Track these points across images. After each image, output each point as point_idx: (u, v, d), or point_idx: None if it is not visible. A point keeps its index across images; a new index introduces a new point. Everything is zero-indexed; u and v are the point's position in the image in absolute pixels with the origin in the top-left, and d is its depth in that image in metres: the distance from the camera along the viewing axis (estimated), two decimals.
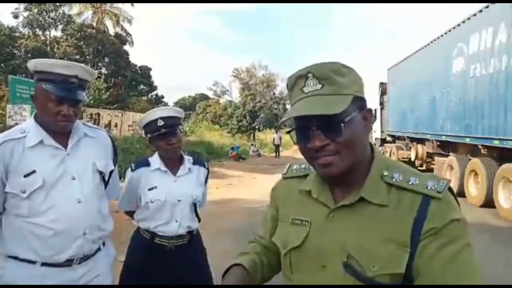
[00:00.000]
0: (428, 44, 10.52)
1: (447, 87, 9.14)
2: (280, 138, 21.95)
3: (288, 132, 0.99)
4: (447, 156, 9.62)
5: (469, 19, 8.14)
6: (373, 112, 0.96)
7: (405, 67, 12.55)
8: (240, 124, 29.00)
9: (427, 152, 10.84)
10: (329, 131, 0.88)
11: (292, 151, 25.89)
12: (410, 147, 12.24)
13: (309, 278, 0.95)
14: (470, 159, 8.05)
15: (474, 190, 7.72)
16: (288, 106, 29.11)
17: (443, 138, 9.39)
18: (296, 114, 0.90)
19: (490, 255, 4.57)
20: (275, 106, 28.50)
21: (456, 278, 0.81)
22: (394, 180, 0.91)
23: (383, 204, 0.89)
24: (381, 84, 15.42)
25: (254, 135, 29.32)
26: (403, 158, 12.24)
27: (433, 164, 10.51)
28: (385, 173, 0.93)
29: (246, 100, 28.66)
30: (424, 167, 10.88)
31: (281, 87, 29.11)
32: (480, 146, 7.67)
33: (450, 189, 0.90)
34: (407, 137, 12.29)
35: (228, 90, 31.30)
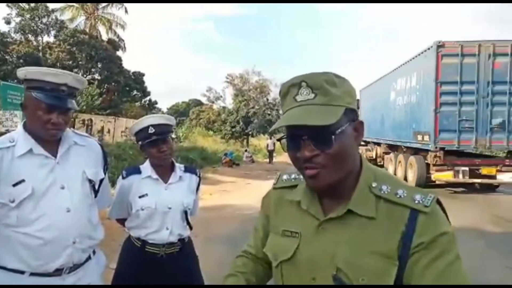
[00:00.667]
0: (382, 78, 15.05)
1: (388, 109, 13.92)
2: (274, 144, 21.97)
3: (279, 140, 0.99)
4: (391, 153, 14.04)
5: (400, 66, 12.65)
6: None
7: (369, 90, 17.07)
8: (233, 130, 28.99)
9: (382, 152, 15.15)
10: (319, 142, 0.88)
11: (286, 157, 25.84)
12: (373, 149, 16.56)
13: None
14: (407, 155, 11.87)
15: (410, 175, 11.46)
16: (281, 112, 29.21)
17: (388, 142, 14.10)
18: (286, 123, 0.89)
19: (485, 259, 4.60)
20: (269, 112, 28.54)
21: None
22: (382, 192, 0.91)
23: (371, 216, 0.89)
24: (357, 100, 16.87)
25: (247, 141, 29.33)
26: (369, 157, 15.92)
27: (384, 160, 14.69)
28: (373, 185, 0.92)
29: (239, 106, 28.69)
30: (382, 163, 14.72)
31: (274, 93, 29.17)
32: (402, 147, 12.46)
33: (438, 202, 0.90)
34: (371, 141, 16.46)
35: (221, 96, 31.33)
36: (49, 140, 1.58)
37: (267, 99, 29.26)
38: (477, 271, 3.82)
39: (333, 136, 0.86)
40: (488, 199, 9.74)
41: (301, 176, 1.00)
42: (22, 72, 1.55)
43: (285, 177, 1.12)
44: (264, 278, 1.15)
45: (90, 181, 1.69)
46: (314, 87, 0.89)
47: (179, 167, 2.24)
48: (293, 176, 1.10)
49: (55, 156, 1.60)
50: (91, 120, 15.41)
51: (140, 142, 2.14)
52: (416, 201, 0.88)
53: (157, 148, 2.08)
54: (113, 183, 2.44)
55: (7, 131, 1.90)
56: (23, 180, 1.50)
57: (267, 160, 21.92)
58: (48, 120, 1.52)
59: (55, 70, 1.57)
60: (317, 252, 0.93)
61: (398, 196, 0.89)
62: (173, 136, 2.23)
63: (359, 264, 0.87)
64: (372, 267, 0.86)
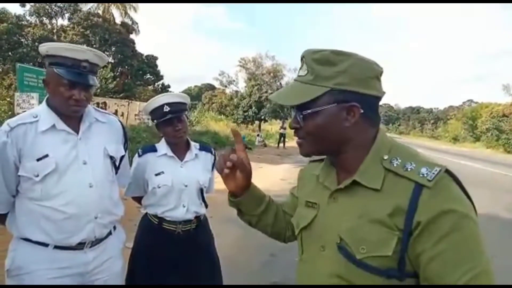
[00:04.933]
0: None
1: None
2: (285, 128, 21.83)
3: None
4: None
5: None
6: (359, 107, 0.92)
7: None
8: (246, 114, 28.92)
9: None
10: (295, 116, 0.97)
11: None
12: None
13: (313, 257, 0.99)
14: None
15: None
16: None
17: None
18: (271, 98, 1.00)
19: (500, 245, 4.56)
20: None
21: (458, 276, 0.77)
22: (391, 165, 0.89)
23: (375, 188, 0.88)
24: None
25: (260, 126, 29.25)
26: None
27: None
28: (385, 157, 0.91)
29: (252, 90, 28.53)
30: None
31: (288, 77, 28.94)
32: None
33: (451, 175, 0.86)
34: None
35: (234, 80, 31.17)
36: (71, 116, 1.60)
37: (280, 84, 29.00)
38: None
39: (301, 115, 0.94)
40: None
41: None
42: (44, 47, 1.56)
43: None
44: (282, 222, 1.23)
45: (111, 157, 1.71)
46: (308, 64, 0.93)
47: (194, 145, 2.25)
48: None
49: (77, 132, 1.62)
50: (105, 103, 15.52)
51: (155, 121, 2.15)
52: (421, 175, 0.84)
53: (172, 127, 2.09)
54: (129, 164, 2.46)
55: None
56: (47, 155, 1.52)
57: (281, 144, 21.46)
58: (70, 96, 1.54)
59: (77, 46, 1.58)
60: (327, 222, 0.96)
61: (405, 169, 0.87)
62: (188, 115, 2.23)
63: (360, 233, 0.88)
64: (373, 237, 0.85)
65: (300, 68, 0.96)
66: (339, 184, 0.97)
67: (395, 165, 0.89)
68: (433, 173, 0.83)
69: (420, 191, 0.82)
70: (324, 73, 0.90)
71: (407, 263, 0.84)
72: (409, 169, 0.86)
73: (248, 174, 1.10)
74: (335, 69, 0.90)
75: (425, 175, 0.83)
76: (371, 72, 0.92)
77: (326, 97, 0.90)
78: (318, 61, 0.91)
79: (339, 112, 0.91)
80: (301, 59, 0.96)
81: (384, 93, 0.96)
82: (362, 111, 0.91)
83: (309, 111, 0.92)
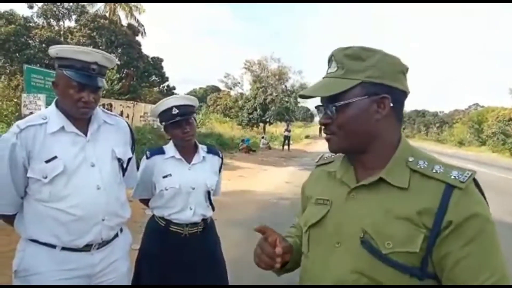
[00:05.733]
0: None
1: None
2: (290, 131, 21.81)
3: (317, 107, 1.05)
4: None
5: None
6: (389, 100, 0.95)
7: None
8: (250, 116, 28.94)
9: None
10: (326, 112, 0.97)
11: (303, 145, 25.81)
12: None
13: (324, 254, 0.98)
14: None
15: None
16: (299, 99, 28.99)
17: None
18: (301, 93, 1.00)
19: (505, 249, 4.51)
20: (286, 99, 28.33)
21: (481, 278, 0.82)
22: (418, 166, 0.91)
23: (403, 186, 0.90)
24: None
25: (264, 128, 29.26)
26: None
27: None
28: (410, 159, 0.94)
29: (257, 92, 28.55)
30: None
31: (293, 80, 28.95)
32: None
33: (475, 181, 0.89)
34: None
35: (239, 82, 31.21)
36: (80, 118, 1.61)
37: (286, 86, 29.02)
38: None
39: (334, 107, 0.94)
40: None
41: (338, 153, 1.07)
42: (54, 50, 1.57)
43: (326, 155, 1.19)
44: None
45: (119, 159, 1.72)
46: (338, 61, 0.96)
47: (202, 148, 2.25)
48: (332, 154, 1.15)
49: (86, 134, 1.63)
50: (110, 104, 15.57)
51: (163, 123, 2.16)
52: (453, 177, 0.86)
53: (181, 129, 2.10)
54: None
55: (31, 114, 1.94)
56: (55, 157, 1.53)
57: (285, 147, 21.40)
58: (79, 99, 1.54)
59: (86, 49, 1.59)
60: (345, 217, 0.95)
61: (434, 171, 0.89)
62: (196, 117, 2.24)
63: (385, 229, 0.88)
64: (399, 232, 0.86)
65: (329, 67, 0.99)
66: (358, 181, 0.97)
67: (422, 166, 0.91)
68: (465, 176, 0.86)
69: (451, 192, 0.85)
70: (355, 67, 0.94)
71: (429, 264, 0.86)
72: (438, 171, 0.89)
73: (289, 249, 1.09)
74: (365, 64, 0.93)
75: (457, 177, 0.86)
76: (399, 67, 0.96)
77: (357, 89, 0.93)
78: (349, 56, 0.94)
79: (370, 105, 0.93)
80: (329, 59, 0.99)
81: (409, 91, 0.99)
82: (392, 104, 0.93)
83: (341, 102, 0.93)
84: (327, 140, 1.00)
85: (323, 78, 0.99)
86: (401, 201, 0.89)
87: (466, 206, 0.83)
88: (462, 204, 0.84)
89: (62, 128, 1.58)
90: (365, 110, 0.93)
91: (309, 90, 1.00)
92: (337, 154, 1.09)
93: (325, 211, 1.00)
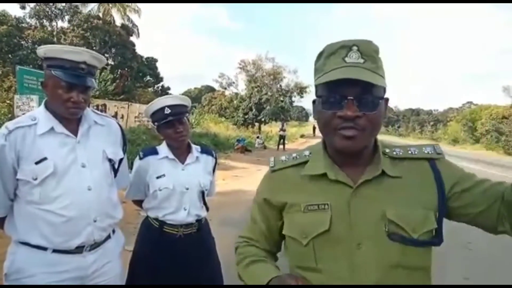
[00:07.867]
0: None
1: None
2: (285, 130, 21.80)
3: (314, 101, 0.99)
4: None
5: None
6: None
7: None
8: (246, 116, 28.91)
9: None
10: (365, 103, 0.89)
11: (298, 144, 25.80)
12: None
13: (343, 262, 0.92)
14: None
15: None
16: (294, 99, 29.02)
17: None
18: (343, 76, 0.86)
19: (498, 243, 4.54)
20: (281, 99, 28.35)
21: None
22: (396, 154, 1.00)
23: (398, 176, 0.96)
24: None
25: (259, 128, 29.25)
26: None
27: None
28: (386, 150, 1.00)
29: (252, 92, 28.53)
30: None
31: (288, 79, 28.96)
32: None
33: None
34: None
35: (234, 82, 31.18)
36: (70, 118, 1.59)
37: (280, 86, 29.03)
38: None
39: (380, 100, 0.92)
40: None
41: (306, 153, 1.04)
42: (42, 50, 1.56)
43: (283, 158, 1.11)
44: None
45: (110, 160, 1.70)
46: (364, 53, 0.91)
47: (195, 148, 2.24)
48: (293, 155, 1.09)
49: (76, 135, 1.61)
50: (104, 105, 15.49)
51: (156, 123, 2.14)
52: (427, 152, 1.00)
53: (174, 129, 2.08)
54: (129, 167, 2.45)
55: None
56: (45, 158, 1.51)
57: (281, 146, 21.34)
58: (68, 99, 1.53)
59: (74, 48, 1.57)
60: (359, 217, 0.93)
61: (410, 152, 1.00)
62: (189, 117, 2.22)
63: (408, 216, 0.92)
64: (418, 215, 0.92)
65: (348, 56, 0.90)
66: (353, 179, 0.96)
67: (400, 153, 1.00)
68: (438, 148, 1.01)
69: (435, 165, 0.98)
70: (380, 64, 0.94)
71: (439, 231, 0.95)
72: (414, 153, 1.00)
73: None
74: (382, 63, 0.95)
75: (432, 152, 1.00)
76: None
77: (383, 89, 0.94)
78: (376, 52, 0.94)
79: (385, 106, 0.96)
80: (350, 47, 0.90)
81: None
82: None
83: (383, 97, 0.94)
84: (352, 137, 0.90)
85: (350, 66, 0.89)
86: (402, 189, 0.95)
87: (454, 168, 1.00)
88: (450, 169, 0.99)
89: (52, 129, 1.56)
90: (384, 110, 0.96)
91: (350, 73, 0.87)
92: (307, 154, 1.05)
93: (328, 217, 0.94)
